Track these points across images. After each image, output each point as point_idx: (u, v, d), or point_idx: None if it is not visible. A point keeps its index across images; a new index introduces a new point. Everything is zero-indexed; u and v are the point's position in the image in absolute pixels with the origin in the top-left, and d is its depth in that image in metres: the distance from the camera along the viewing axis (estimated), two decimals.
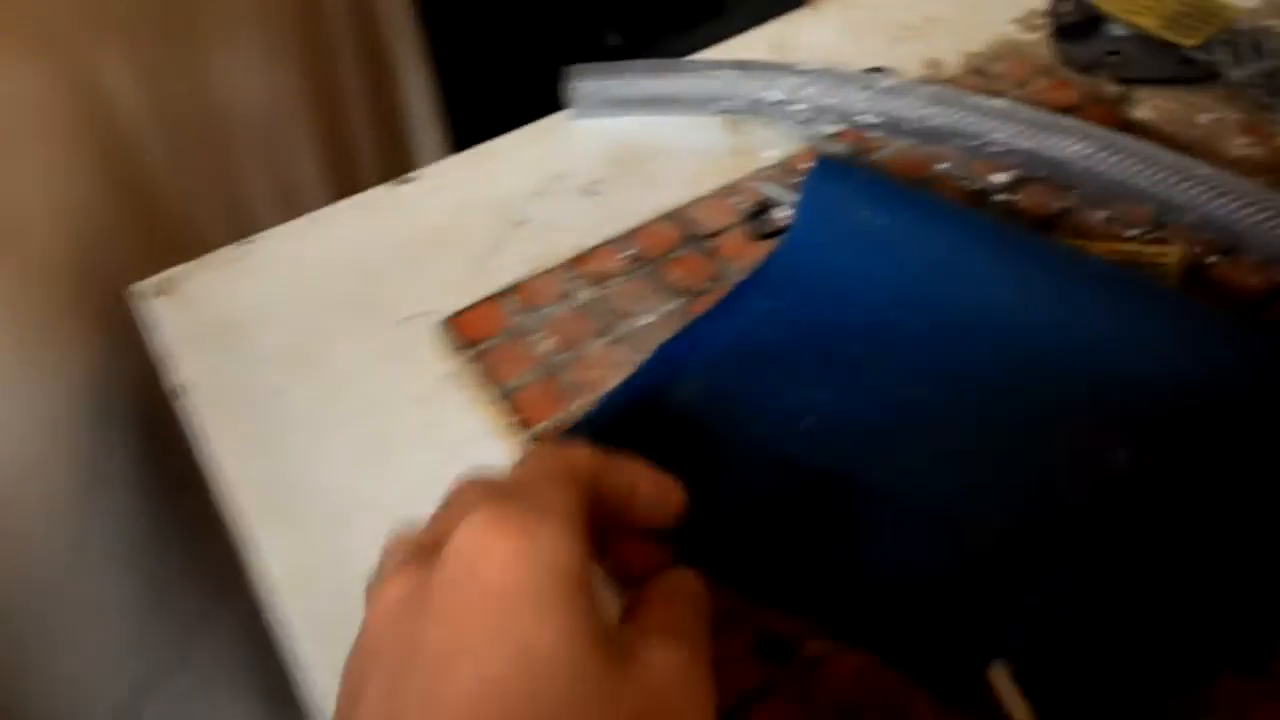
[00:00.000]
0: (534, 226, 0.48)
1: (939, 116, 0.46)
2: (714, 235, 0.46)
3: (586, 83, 0.51)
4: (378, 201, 0.49)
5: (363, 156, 0.70)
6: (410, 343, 0.43)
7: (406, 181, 0.50)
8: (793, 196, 0.46)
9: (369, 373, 0.43)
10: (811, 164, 0.44)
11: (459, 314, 0.44)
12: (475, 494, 0.27)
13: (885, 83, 0.48)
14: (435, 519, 0.28)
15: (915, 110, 0.47)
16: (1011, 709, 0.29)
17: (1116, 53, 0.51)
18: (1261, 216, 0.41)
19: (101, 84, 0.51)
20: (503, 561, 0.23)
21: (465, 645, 0.23)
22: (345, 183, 0.68)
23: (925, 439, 0.36)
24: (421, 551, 0.26)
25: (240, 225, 0.52)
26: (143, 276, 0.46)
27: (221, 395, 0.42)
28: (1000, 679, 0.29)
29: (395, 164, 0.73)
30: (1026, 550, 0.33)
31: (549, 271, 0.45)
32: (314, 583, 0.36)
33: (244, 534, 0.38)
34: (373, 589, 0.26)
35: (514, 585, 0.23)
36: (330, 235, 0.48)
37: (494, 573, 0.23)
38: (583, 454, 0.29)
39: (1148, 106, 0.49)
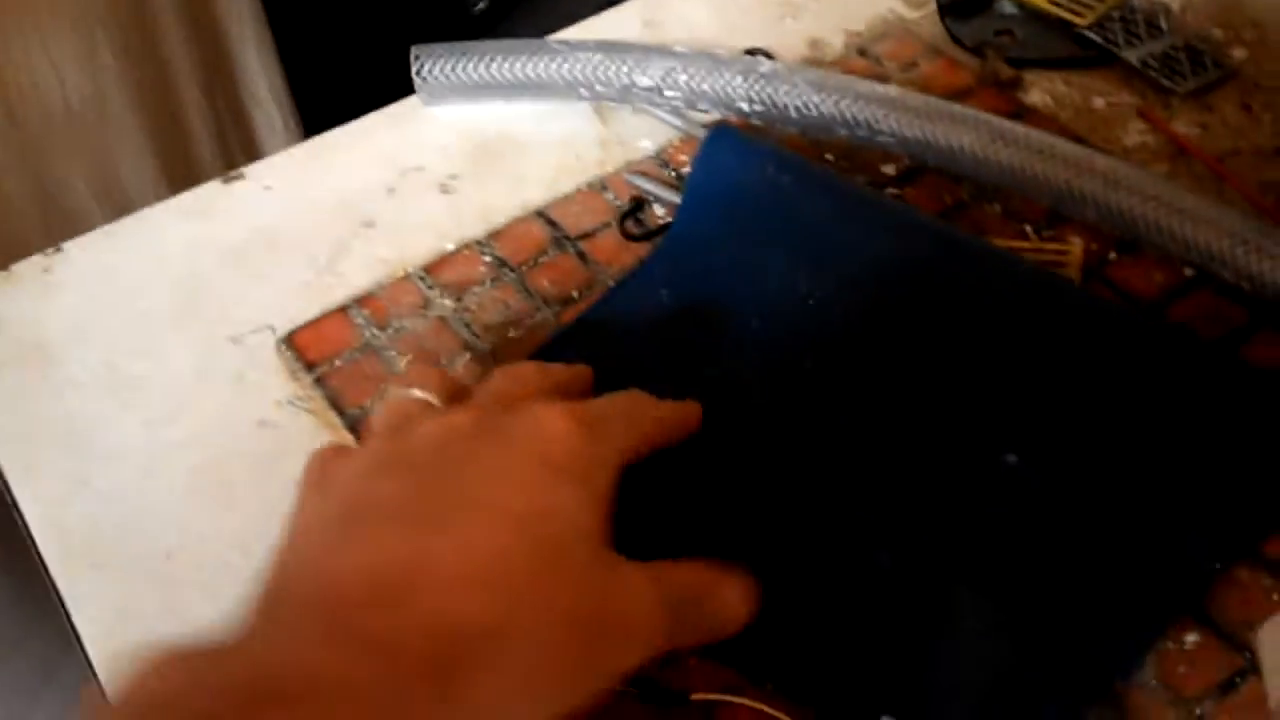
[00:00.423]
0: (384, 228, 0.43)
1: (824, 104, 0.44)
2: (585, 237, 0.43)
3: (436, 63, 0.46)
4: (207, 200, 0.44)
5: (200, 146, 0.64)
6: (247, 362, 0.39)
7: (238, 178, 0.45)
8: (669, 194, 0.43)
9: (200, 397, 0.38)
10: (694, 149, 0.41)
11: (301, 329, 0.40)
12: (543, 383, 0.32)
13: (765, 67, 0.45)
14: (496, 379, 0.32)
15: (798, 97, 0.44)
16: None
17: (1007, 31, 0.50)
18: (1161, 212, 0.40)
19: None
20: (570, 453, 0.28)
21: (515, 478, 0.28)
22: (179, 176, 0.62)
23: (816, 413, 0.35)
24: (484, 394, 0.31)
25: (59, 227, 0.46)
26: None
27: (27, 428, 0.37)
28: None
29: (239, 154, 0.67)
30: (923, 576, 0.32)
31: (403, 279, 0.41)
32: (132, 634, 0.32)
33: (55, 584, 0.33)
34: (416, 413, 0.30)
35: (568, 471, 0.28)
36: (153, 240, 0.43)
37: (559, 455, 0.28)
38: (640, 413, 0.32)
39: (1041, 90, 0.48)
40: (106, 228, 0.43)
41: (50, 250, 0.42)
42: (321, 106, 0.60)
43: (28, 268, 0.42)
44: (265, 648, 0.24)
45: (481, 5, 1.68)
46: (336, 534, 0.27)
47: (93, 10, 0.54)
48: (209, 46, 0.64)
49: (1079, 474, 0.34)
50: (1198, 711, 0.30)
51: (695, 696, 0.30)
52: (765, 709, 0.30)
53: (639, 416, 0.32)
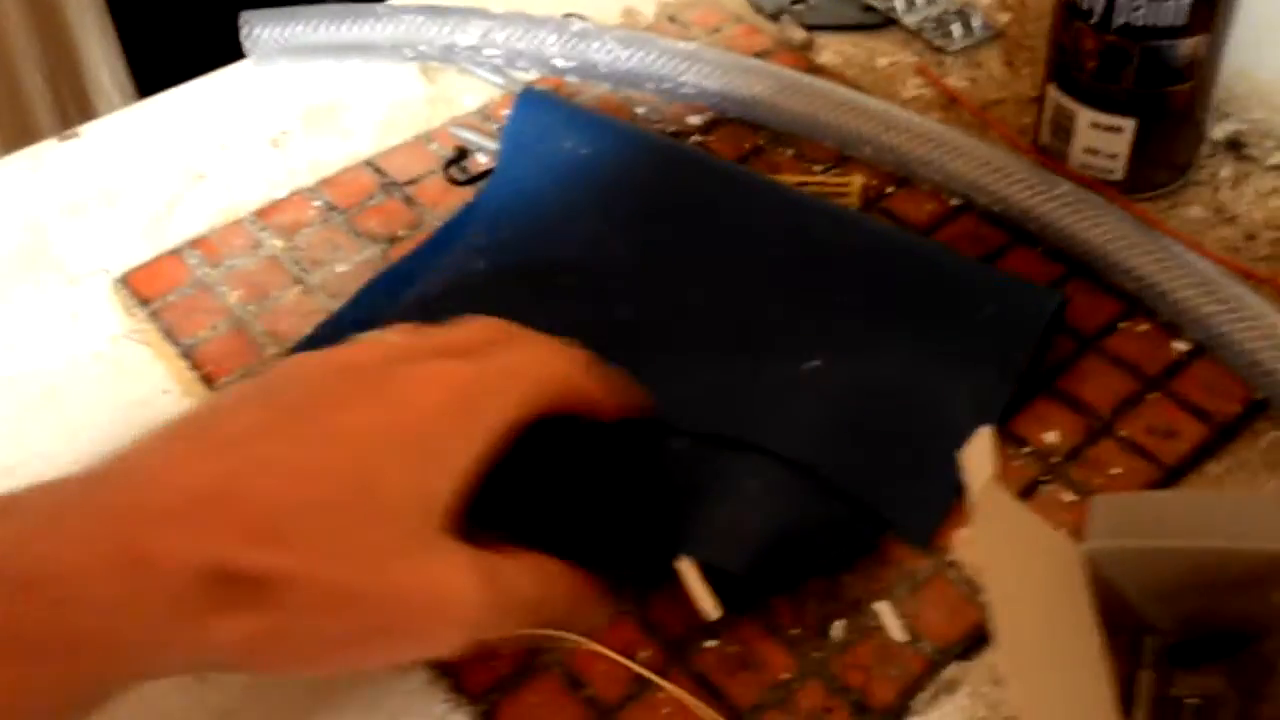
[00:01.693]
0: (216, 180, 0.46)
1: (631, 60, 0.48)
2: (411, 183, 0.46)
3: (265, 28, 0.49)
4: (44, 156, 0.46)
5: (35, 108, 0.65)
6: (84, 301, 0.41)
7: (73, 136, 0.47)
8: (491, 143, 0.47)
9: (40, 332, 0.40)
10: (511, 106, 0.45)
11: (135, 270, 0.42)
12: (496, 334, 0.32)
13: (577, 26, 0.49)
14: (458, 327, 0.33)
15: (608, 54, 0.48)
16: (696, 597, 0.31)
17: (802, 0, 0.55)
18: (928, 148, 0.45)
19: None
20: (439, 421, 0.29)
21: (369, 436, 0.28)
22: (18, 139, 0.62)
23: (634, 359, 0.37)
24: (433, 335, 0.32)
25: None
26: None
27: None
28: (687, 570, 0.31)
29: (76, 118, 0.68)
30: (718, 454, 0.35)
31: (234, 224, 0.44)
32: None
33: None
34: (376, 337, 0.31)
35: (431, 438, 0.29)
36: None
37: (426, 422, 0.29)
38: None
39: (831, 51, 0.53)
40: None
41: None
42: (154, 70, 0.62)
43: None
44: (34, 531, 0.24)
45: None
46: (182, 445, 0.27)
47: None
48: (50, 34, 0.65)
49: (865, 368, 0.38)
50: (947, 559, 0.34)
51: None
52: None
53: (531, 384, 0.31)
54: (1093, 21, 0.41)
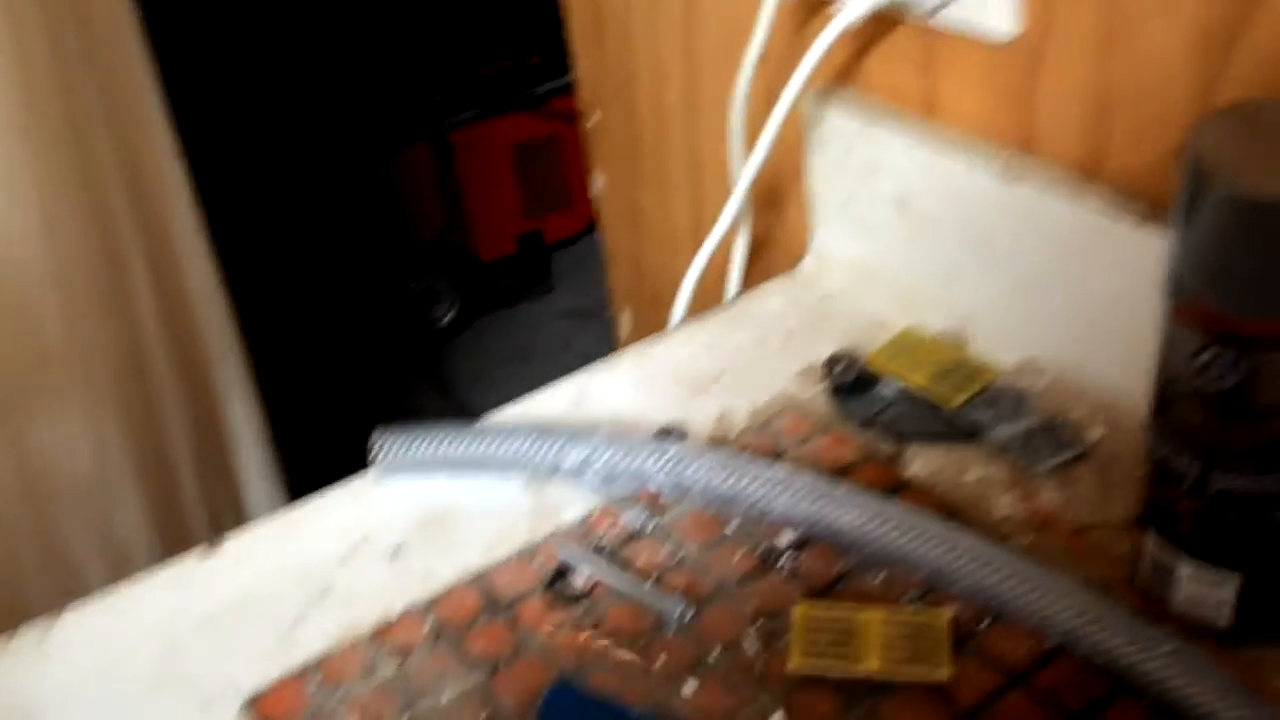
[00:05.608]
0: (338, 594, 0.50)
1: (724, 484, 0.51)
2: (514, 603, 0.49)
3: (393, 445, 0.54)
4: (186, 571, 0.51)
5: (190, 508, 0.72)
6: None
7: (215, 548, 0.52)
8: (590, 559, 0.49)
9: None
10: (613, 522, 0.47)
11: (260, 696, 0.45)
12: None
13: (673, 451, 0.53)
14: None
15: (701, 478, 0.51)
16: None
17: (890, 408, 0.58)
18: (1023, 589, 0.45)
19: None
20: None
21: None
22: (172, 535, 0.69)
23: None
24: None
25: (68, 587, 0.53)
26: None
27: None
28: None
29: (224, 511, 0.75)
30: None
31: (352, 646, 0.47)
32: None
33: None
34: None
35: None
36: (137, 609, 0.49)
37: None
38: None
39: (920, 463, 0.54)
40: (99, 597, 0.49)
41: (50, 616, 0.49)
42: (298, 444, 0.68)
43: (27, 637, 0.48)
44: None
45: (447, 319, 1.84)
46: None
47: (102, 394, 0.64)
48: (202, 419, 0.74)
49: None
50: None
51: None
52: None
53: None
54: (1187, 487, 0.42)
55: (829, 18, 0.58)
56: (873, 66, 0.62)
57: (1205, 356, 0.39)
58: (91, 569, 0.64)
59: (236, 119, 1.61)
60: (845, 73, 0.64)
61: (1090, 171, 0.53)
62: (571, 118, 2.03)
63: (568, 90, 2.02)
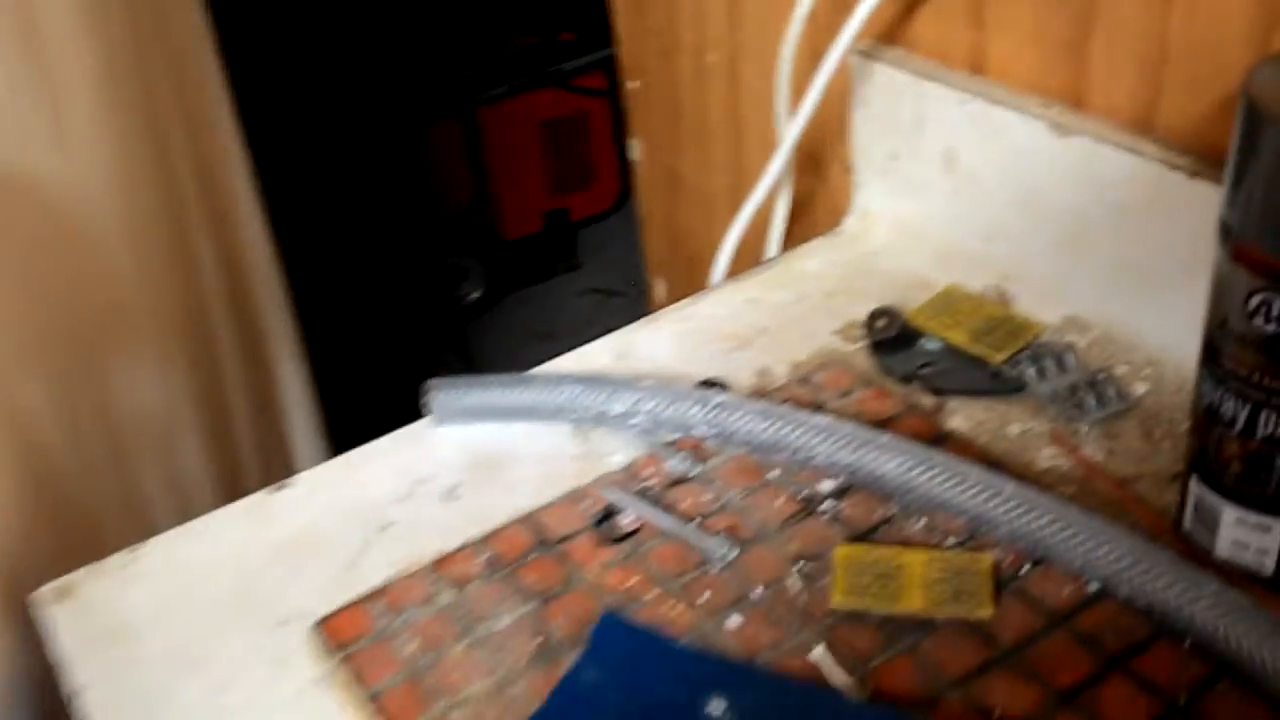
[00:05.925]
0: (399, 529, 0.51)
1: (766, 431, 0.52)
2: (564, 540, 0.50)
3: (445, 394, 0.56)
4: (257, 507, 0.53)
5: (245, 454, 0.74)
6: (285, 645, 0.46)
7: (283, 487, 0.54)
8: (635, 502, 0.51)
9: (248, 674, 0.45)
10: (657, 467, 0.49)
11: (329, 617, 0.47)
12: None
13: (717, 399, 0.54)
14: None
15: (744, 425, 0.52)
16: None
17: (931, 365, 0.58)
18: (1066, 533, 0.46)
19: (18, 399, 0.55)
20: None
21: None
22: (228, 478, 0.71)
23: None
24: None
25: (139, 523, 0.55)
26: (52, 575, 0.50)
27: (114, 697, 0.45)
28: None
29: (275, 460, 0.78)
30: None
31: (413, 575, 0.49)
32: None
33: None
34: None
35: None
36: (214, 539, 0.52)
37: None
38: None
39: (961, 417, 0.55)
40: (177, 529, 0.52)
41: (133, 547, 0.51)
42: (343, 421, 0.71)
43: (112, 564, 0.51)
44: None
45: (474, 296, 1.87)
46: None
47: (169, 346, 0.66)
48: (258, 377, 0.76)
49: None
50: None
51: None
52: None
53: None
54: (1236, 431, 0.42)
55: None
56: (920, 23, 0.62)
57: (1257, 300, 0.39)
58: (160, 508, 0.66)
59: (281, 93, 1.63)
60: (891, 31, 0.64)
61: (1142, 125, 0.54)
62: (600, 94, 2.05)
63: (596, 67, 2.03)
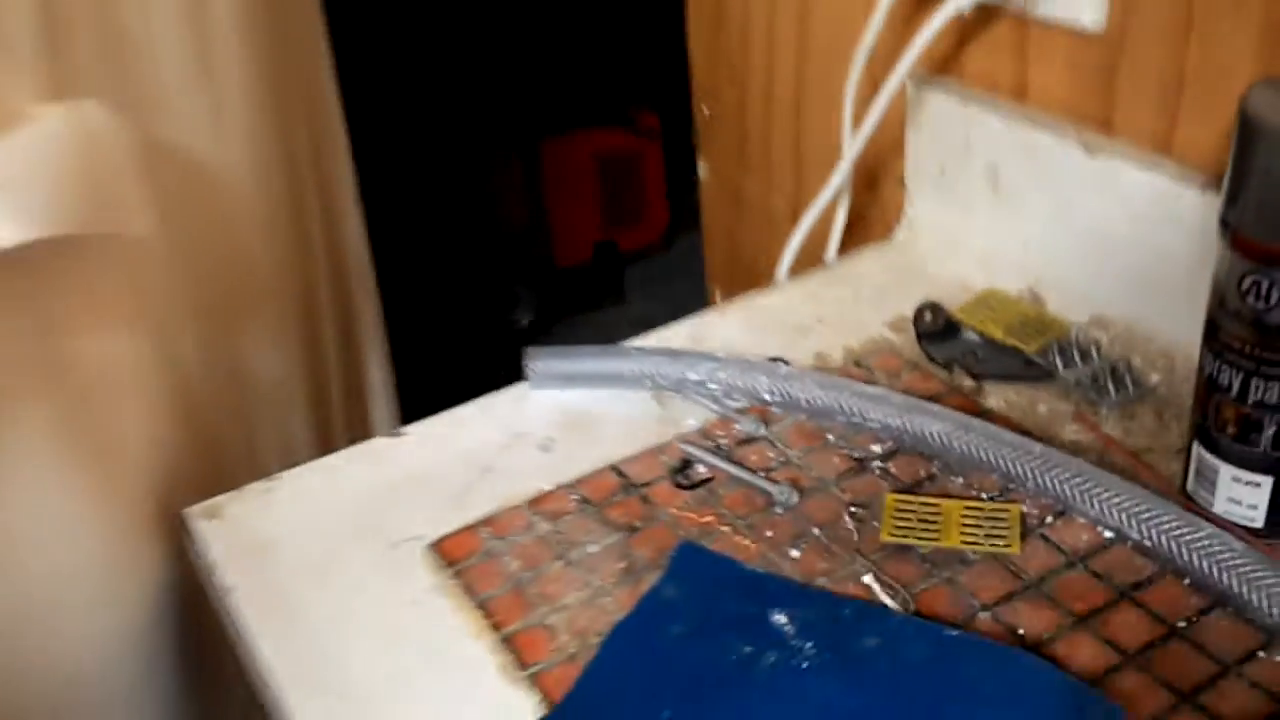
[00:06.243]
0: (500, 473, 0.59)
1: (826, 398, 0.60)
2: (646, 485, 0.58)
3: (542, 362, 0.64)
4: (375, 450, 0.61)
5: (335, 416, 0.83)
6: (404, 561, 0.54)
7: (398, 435, 0.62)
8: (708, 456, 0.58)
9: (372, 581, 0.53)
10: (728, 430, 0.56)
11: (442, 540, 0.55)
12: None
13: (783, 370, 0.61)
14: None
15: (807, 393, 0.60)
16: None
17: (971, 354, 0.66)
18: (1086, 487, 0.53)
19: (175, 353, 0.64)
20: None
21: None
22: (322, 436, 0.80)
23: None
24: None
25: (260, 465, 0.64)
26: (200, 498, 0.58)
27: (259, 595, 0.53)
28: None
29: (357, 423, 0.87)
30: None
31: (514, 508, 0.56)
32: None
33: (278, 702, 0.48)
34: None
35: None
36: (341, 474, 0.60)
37: None
38: None
39: (996, 398, 0.63)
40: (312, 463, 0.60)
41: (271, 477, 0.59)
42: (416, 399, 0.80)
43: (253, 490, 0.59)
44: None
45: (525, 321, 1.95)
46: None
47: (284, 322, 0.75)
48: (350, 355, 0.85)
49: None
50: None
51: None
52: None
53: None
54: (1231, 397, 0.49)
55: (937, 8, 0.67)
56: (969, 55, 0.70)
57: (1249, 281, 0.47)
58: (270, 460, 0.74)
59: (372, 109, 1.75)
60: (943, 62, 0.72)
61: (1162, 146, 0.61)
62: (653, 135, 2.15)
63: (649, 106, 2.13)
